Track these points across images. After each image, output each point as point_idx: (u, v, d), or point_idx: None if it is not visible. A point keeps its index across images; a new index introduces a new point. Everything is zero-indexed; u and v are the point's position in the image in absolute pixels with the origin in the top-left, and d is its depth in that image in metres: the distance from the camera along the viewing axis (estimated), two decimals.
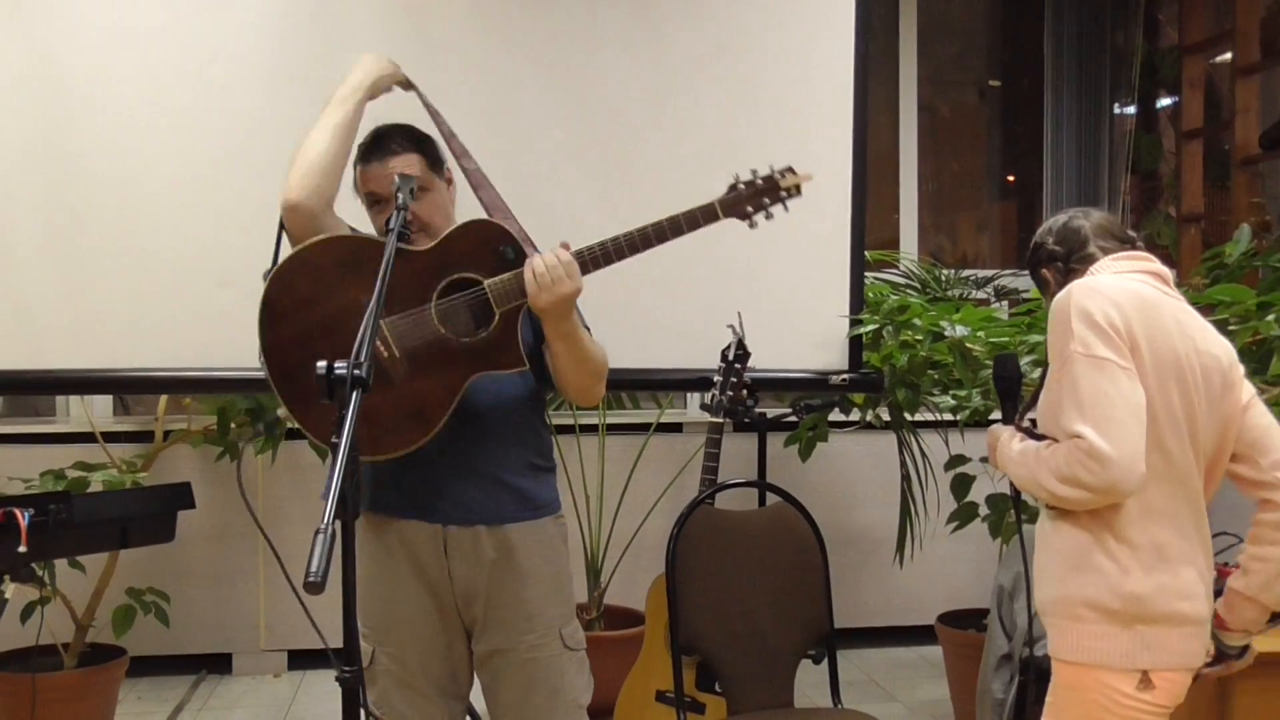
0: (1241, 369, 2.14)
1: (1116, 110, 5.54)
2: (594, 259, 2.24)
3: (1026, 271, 2.33)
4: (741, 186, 2.34)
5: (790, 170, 2.39)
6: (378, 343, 2.19)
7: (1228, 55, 5.40)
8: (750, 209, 2.36)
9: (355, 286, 2.17)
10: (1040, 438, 2.08)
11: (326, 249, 2.23)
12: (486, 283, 2.22)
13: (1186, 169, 5.47)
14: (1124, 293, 2.02)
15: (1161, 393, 1.99)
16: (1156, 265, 2.14)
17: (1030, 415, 2.20)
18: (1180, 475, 2.02)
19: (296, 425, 2.25)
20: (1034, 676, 2.14)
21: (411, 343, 2.21)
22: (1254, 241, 3.59)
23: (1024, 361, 3.13)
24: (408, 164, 2.32)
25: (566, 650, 2.37)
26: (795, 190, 2.38)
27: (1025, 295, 4.49)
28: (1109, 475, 1.91)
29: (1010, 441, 2.14)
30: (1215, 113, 5.61)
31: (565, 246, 2.21)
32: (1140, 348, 1.98)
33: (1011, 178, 6.34)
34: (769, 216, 2.39)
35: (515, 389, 2.35)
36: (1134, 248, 2.17)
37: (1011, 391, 2.28)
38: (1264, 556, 2.12)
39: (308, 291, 2.20)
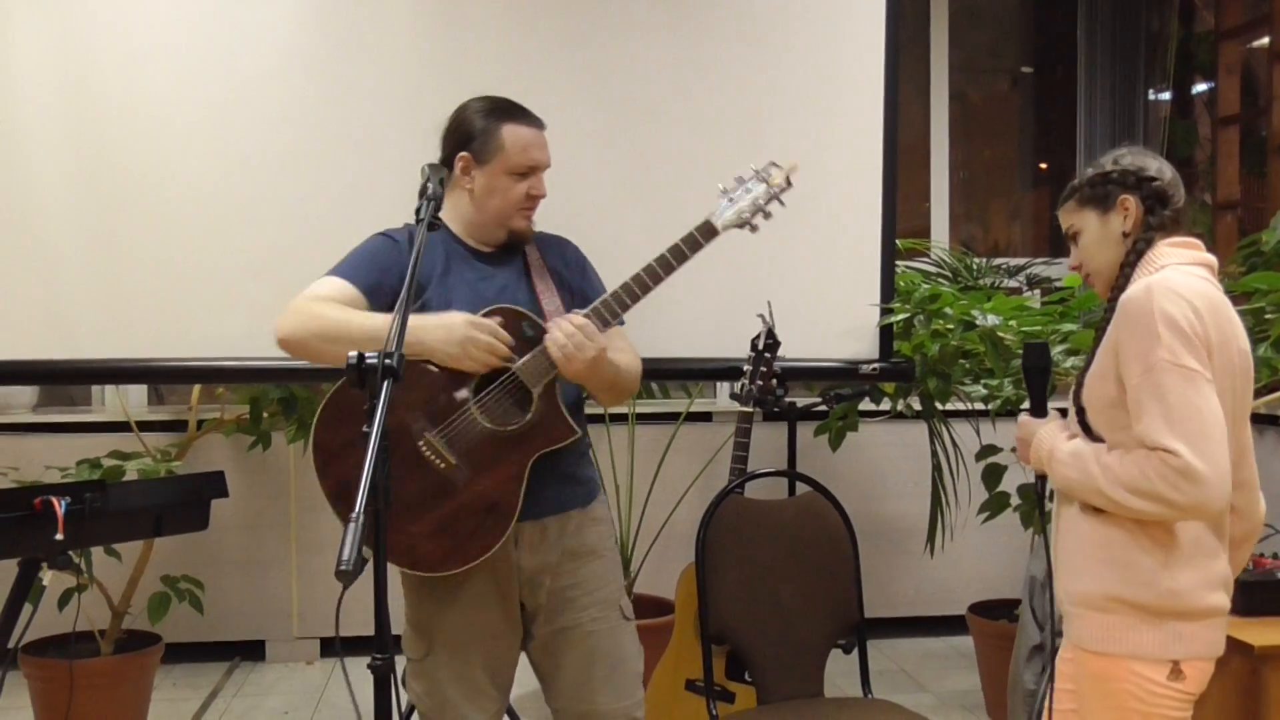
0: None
1: (1151, 96, 5.47)
2: (610, 311, 2.27)
3: (1059, 260, 2.29)
4: (732, 193, 2.36)
5: (774, 165, 2.38)
6: (432, 457, 2.22)
7: (1265, 40, 5.32)
8: (748, 215, 2.36)
9: (400, 405, 2.18)
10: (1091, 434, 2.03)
11: None
12: (515, 367, 2.25)
13: (1222, 155, 5.41)
14: (1198, 295, 1.96)
15: (1222, 399, 1.95)
16: (1210, 256, 2.09)
17: (1056, 406, 2.17)
18: None
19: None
20: None
21: (464, 446, 2.23)
22: None
23: (1056, 351, 3.10)
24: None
25: (624, 621, 2.44)
26: (786, 184, 2.38)
27: (1057, 284, 4.45)
28: (1200, 494, 1.84)
29: (1057, 439, 2.06)
30: (1252, 99, 5.53)
31: (576, 312, 2.25)
32: (1214, 354, 1.94)
33: (1044, 165, 6.29)
34: (767, 216, 2.38)
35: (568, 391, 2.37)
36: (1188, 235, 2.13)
37: (1041, 382, 2.24)
38: (1236, 562, 2.12)
39: (355, 405, 2.11)
